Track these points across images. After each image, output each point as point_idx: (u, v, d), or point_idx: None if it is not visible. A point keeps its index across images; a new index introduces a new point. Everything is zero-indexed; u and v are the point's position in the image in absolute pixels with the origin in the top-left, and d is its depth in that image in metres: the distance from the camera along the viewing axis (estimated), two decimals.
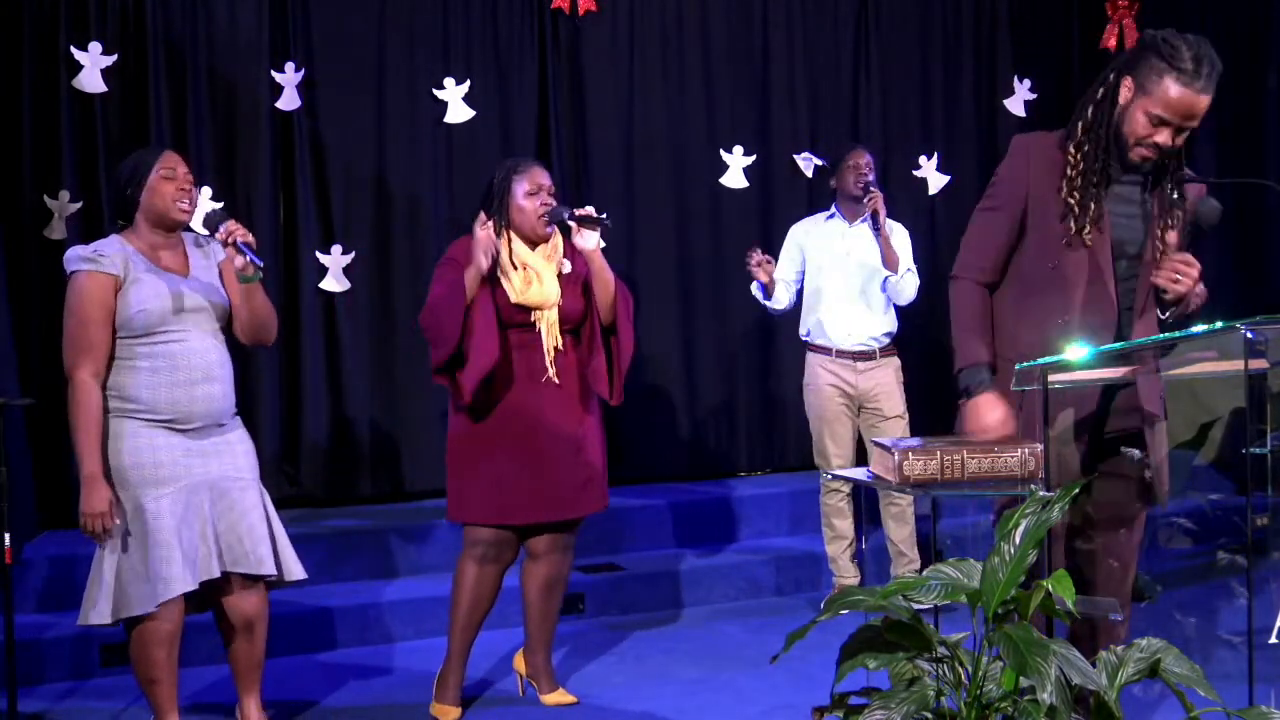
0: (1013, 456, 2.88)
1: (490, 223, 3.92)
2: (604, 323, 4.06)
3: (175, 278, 3.61)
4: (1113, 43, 7.25)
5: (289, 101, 5.80)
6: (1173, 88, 2.90)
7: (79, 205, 5.47)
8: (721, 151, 6.57)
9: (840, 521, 5.27)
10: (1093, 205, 2.97)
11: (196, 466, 3.58)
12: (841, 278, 5.20)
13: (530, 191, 4.01)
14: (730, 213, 6.59)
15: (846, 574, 5.26)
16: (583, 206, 4.02)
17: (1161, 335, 2.93)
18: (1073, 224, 2.97)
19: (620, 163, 6.43)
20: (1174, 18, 7.32)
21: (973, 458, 2.88)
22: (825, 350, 5.24)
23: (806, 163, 6.68)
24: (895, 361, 5.26)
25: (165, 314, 3.54)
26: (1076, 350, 2.96)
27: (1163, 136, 2.95)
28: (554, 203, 4.04)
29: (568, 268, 4.07)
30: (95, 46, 5.48)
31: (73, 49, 5.45)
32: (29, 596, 4.64)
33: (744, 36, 6.63)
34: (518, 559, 4.16)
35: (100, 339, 3.52)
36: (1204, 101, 2.91)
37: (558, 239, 4.09)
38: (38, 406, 4.72)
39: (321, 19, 5.90)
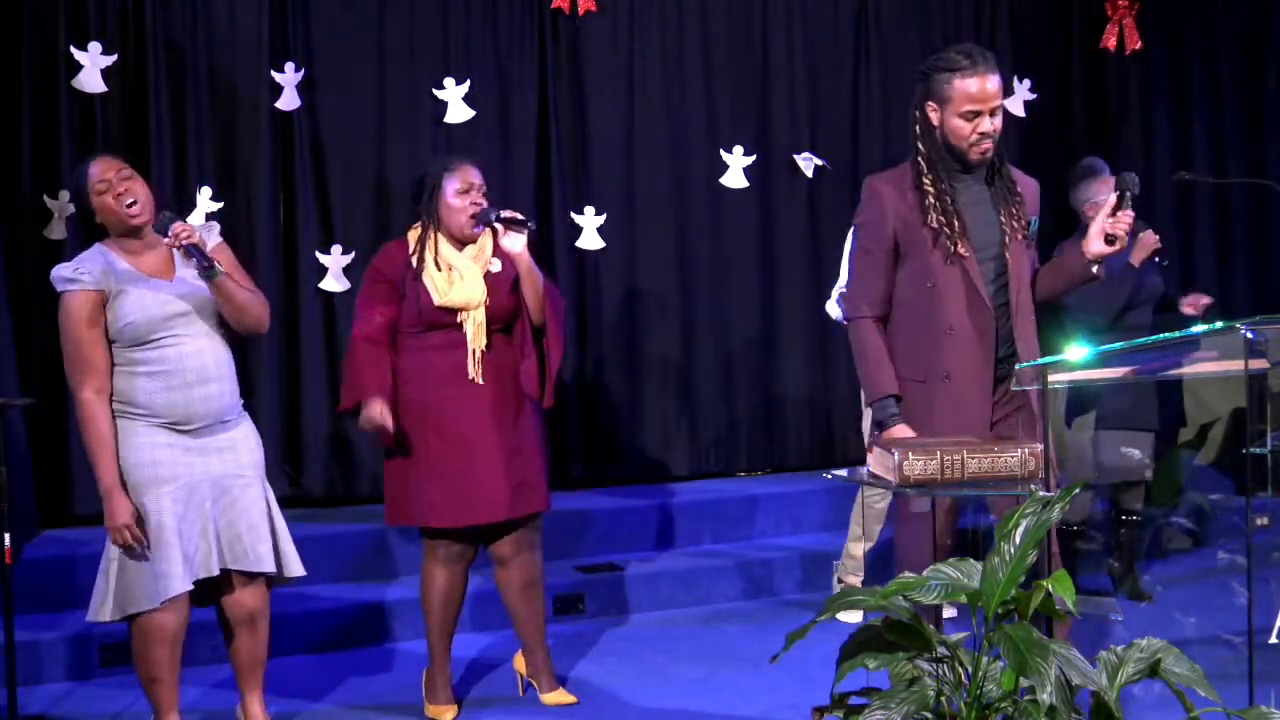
0: (1013, 456, 2.88)
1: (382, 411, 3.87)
2: (534, 324, 4.03)
3: (159, 283, 3.59)
4: (1112, 43, 7.25)
5: (289, 101, 5.80)
6: (965, 83, 3.28)
7: None
8: (721, 151, 6.56)
9: (876, 526, 5.21)
10: (956, 221, 3.34)
11: (197, 464, 3.58)
12: None
13: (461, 190, 3.99)
14: (730, 213, 6.59)
15: (855, 575, 5.24)
16: (508, 209, 4.01)
17: (1161, 335, 2.93)
18: (948, 244, 3.33)
19: (620, 163, 6.42)
20: (1174, 18, 7.37)
21: (973, 458, 2.88)
22: None
23: (806, 163, 6.68)
24: None
25: (153, 322, 3.53)
26: (1077, 350, 2.97)
27: (984, 125, 3.30)
28: (484, 202, 4.01)
29: (497, 267, 4.03)
30: (95, 46, 5.48)
31: (73, 49, 5.45)
32: (29, 596, 4.64)
33: (744, 36, 6.63)
34: (476, 555, 4.15)
35: (96, 355, 3.53)
36: (995, 81, 3.30)
37: (486, 239, 4.06)
38: (38, 406, 4.73)
39: (321, 19, 5.89)
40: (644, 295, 6.46)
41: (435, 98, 6.07)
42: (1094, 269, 3.37)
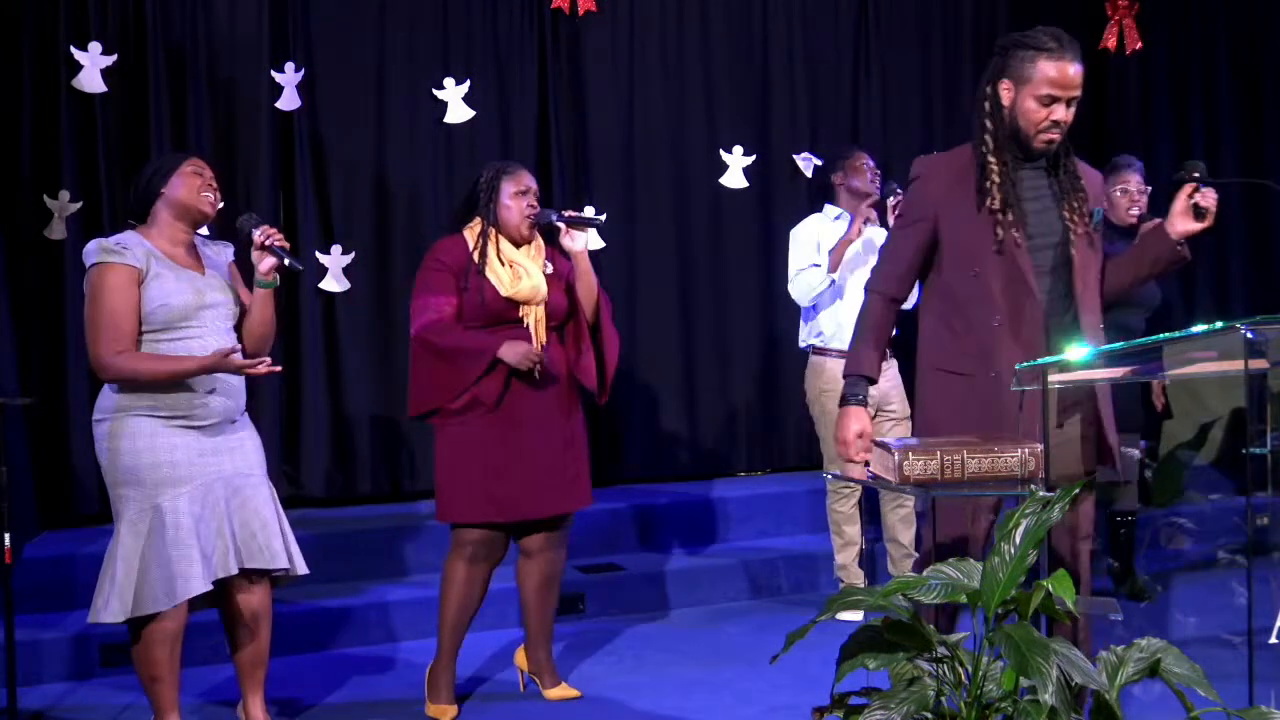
0: (1013, 456, 2.88)
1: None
2: (589, 322, 4.11)
3: (194, 274, 3.64)
4: (1112, 43, 7.25)
5: (289, 101, 5.80)
6: (1049, 66, 3.11)
7: (79, 205, 5.47)
8: (721, 151, 6.57)
9: (850, 528, 5.25)
10: (1012, 208, 3.15)
11: (211, 464, 3.61)
12: (862, 278, 5.15)
13: (518, 192, 4.07)
14: (730, 213, 6.59)
15: (856, 580, 5.26)
16: (570, 209, 4.07)
17: (1162, 335, 2.93)
18: (999, 231, 3.14)
19: (620, 163, 6.43)
20: (1174, 18, 7.38)
21: (973, 458, 2.88)
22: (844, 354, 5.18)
23: (806, 163, 6.68)
24: (895, 361, 5.26)
25: (187, 309, 3.57)
26: (1077, 350, 2.97)
27: (1058, 113, 3.13)
28: (538, 206, 4.10)
29: (549, 269, 4.11)
30: (95, 46, 5.48)
31: (73, 49, 5.45)
32: (29, 596, 4.64)
33: (744, 36, 6.63)
34: (506, 557, 4.16)
35: (130, 326, 3.53)
36: (1077, 69, 3.13)
37: (539, 241, 4.14)
38: (38, 406, 4.72)
39: (321, 19, 5.90)
40: (644, 295, 6.46)
41: (435, 98, 6.07)
42: (1179, 248, 3.24)
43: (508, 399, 3.99)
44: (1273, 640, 4.06)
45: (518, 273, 4.01)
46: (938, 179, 3.25)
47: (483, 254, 4.01)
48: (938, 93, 7.01)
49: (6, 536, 3.76)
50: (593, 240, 6.33)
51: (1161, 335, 2.93)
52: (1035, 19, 7.36)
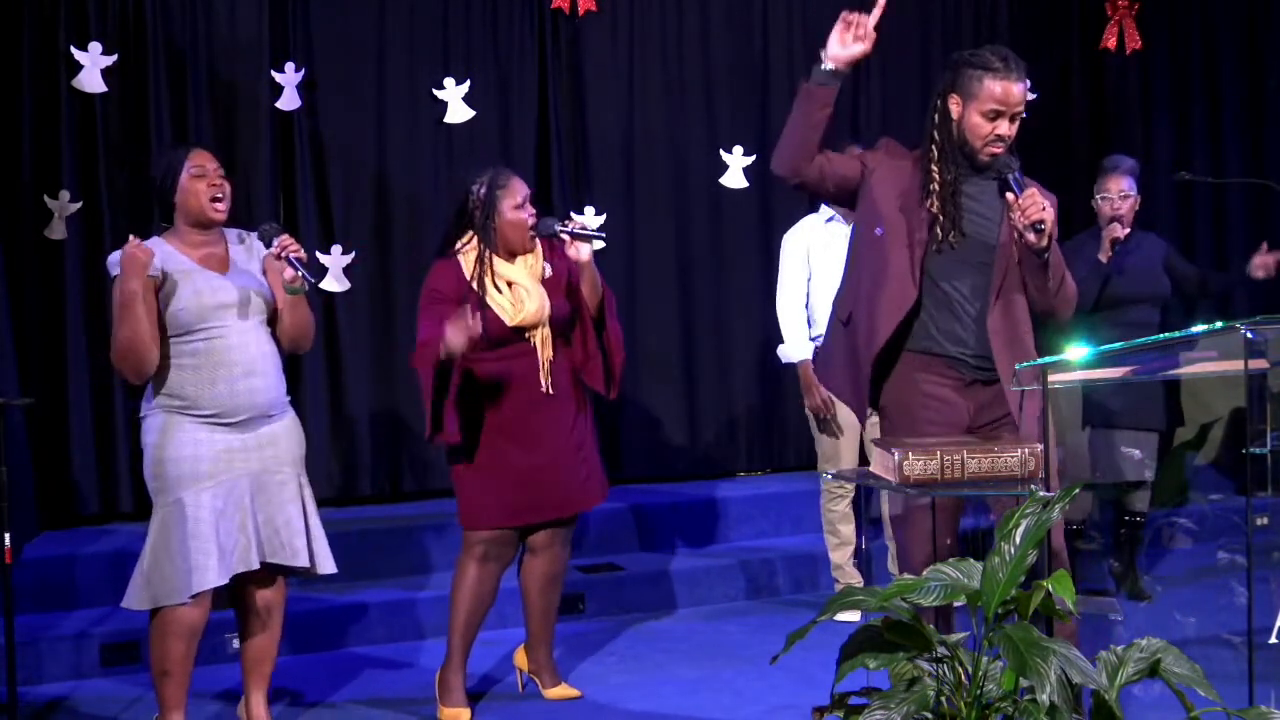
0: (1013, 456, 2.88)
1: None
2: (594, 319, 4.10)
3: (213, 275, 3.65)
4: (1112, 43, 7.25)
5: (289, 101, 5.80)
6: (995, 85, 3.32)
7: (79, 205, 5.47)
8: (721, 151, 6.57)
9: (845, 528, 5.25)
10: (948, 213, 3.37)
11: (238, 461, 3.63)
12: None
13: (518, 205, 4.03)
14: (730, 213, 6.59)
15: (852, 580, 5.26)
16: (569, 218, 4.06)
17: (1162, 335, 2.93)
18: (939, 231, 3.36)
19: (620, 163, 6.43)
20: (1174, 18, 7.37)
21: (973, 458, 2.88)
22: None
23: None
24: None
25: (204, 311, 3.59)
26: (1076, 350, 2.97)
27: (1002, 128, 3.35)
28: (535, 212, 4.08)
29: (548, 272, 4.08)
30: (95, 46, 5.48)
31: (73, 49, 5.45)
32: (29, 596, 4.64)
33: (744, 37, 6.63)
34: (516, 557, 4.17)
35: (152, 323, 3.56)
36: (1022, 88, 3.35)
37: (538, 246, 4.11)
38: (38, 406, 4.72)
39: (321, 19, 5.89)
40: (644, 295, 6.46)
41: (435, 98, 6.07)
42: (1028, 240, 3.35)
43: (517, 413, 3.99)
44: (1273, 640, 4.06)
45: (519, 296, 3.98)
46: (895, 152, 3.51)
47: (480, 283, 3.96)
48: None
49: (6, 536, 3.76)
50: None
51: (1161, 335, 2.94)
52: (1035, 19, 7.40)
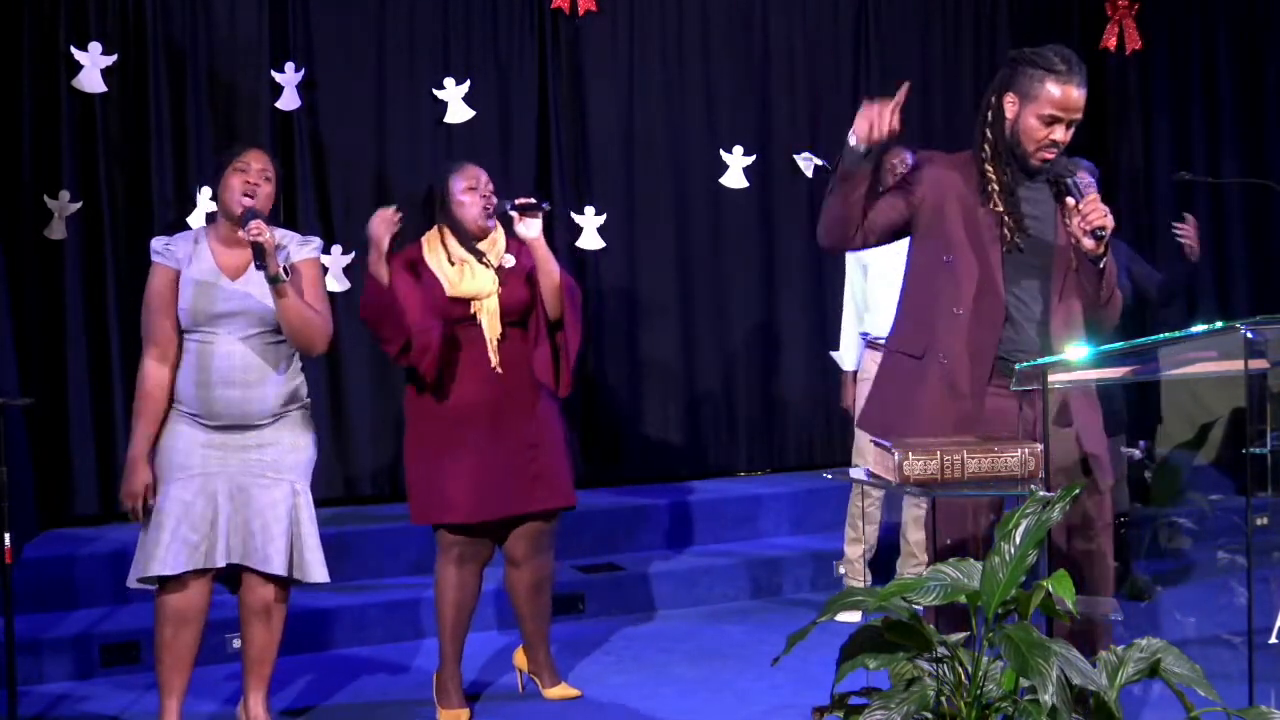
0: (1013, 456, 2.88)
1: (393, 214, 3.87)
2: (551, 315, 4.04)
3: (224, 282, 3.66)
4: (1112, 43, 7.25)
5: (289, 101, 5.80)
6: (1054, 88, 3.17)
7: (79, 205, 5.47)
8: (721, 151, 6.57)
9: (870, 527, 5.24)
10: (1011, 212, 3.23)
11: (214, 460, 3.65)
12: (889, 258, 5.06)
13: (469, 187, 4.05)
14: (730, 213, 6.59)
15: (858, 577, 5.25)
16: (521, 198, 4.04)
17: (1162, 335, 2.93)
18: (1006, 232, 3.21)
19: (620, 163, 6.43)
20: (1174, 18, 7.38)
21: (973, 457, 2.88)
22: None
23: (806, 163, 6.68)
24: None
25: (198, 316, 3.64)
26: (1077, 350, 2.97)
27: (1058, 133, 3.20)
28: (494, 199, 4.08)
29: (511, 262, 4.07)
30: (95, 46, 5.48)
31: (73, 49, 5.45)
32: (29, 596, 4.64)
33: (744, 36, 6.63)
34: (496, 558, 4.16)
35: (161, 327, 3.68)
36: (1081, 94, 3.20)
37: (499, 235, 4.10)
38: (38, 406, 4.72)
39: (321, 19, 5.90)
40: (644, 295, 6.46)
41: (435, 98, 6.07)
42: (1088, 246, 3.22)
43: (467, 395, 3.97)
44: (1273, 640, 4.06)
45: (465, 272, 3.99)
46: (938, 164, 3.34)
47: (434, 254, 4.01)
48: (937, 91, 7.00)
49: (6, 536, 3.77)
50: (593, 241, 6.34)
51: (1161, 335, 2.93)
52: (1035, 19, 7.41)
